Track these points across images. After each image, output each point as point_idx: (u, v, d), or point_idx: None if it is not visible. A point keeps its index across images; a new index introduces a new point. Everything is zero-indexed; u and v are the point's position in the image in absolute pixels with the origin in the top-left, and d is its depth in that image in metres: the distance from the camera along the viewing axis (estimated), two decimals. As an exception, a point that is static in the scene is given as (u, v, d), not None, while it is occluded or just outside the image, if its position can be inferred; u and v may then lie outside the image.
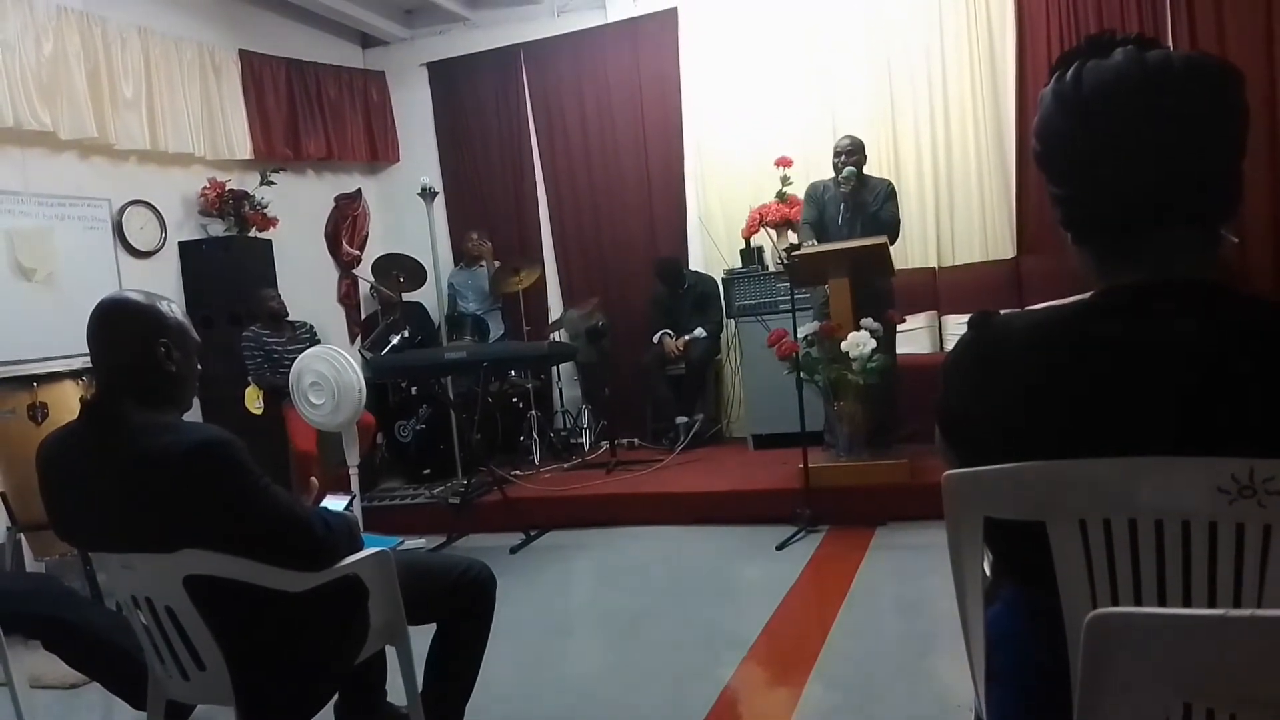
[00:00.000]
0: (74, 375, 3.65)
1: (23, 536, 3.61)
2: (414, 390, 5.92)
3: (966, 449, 1.11)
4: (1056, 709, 0.95)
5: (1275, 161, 5.05)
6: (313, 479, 2.16)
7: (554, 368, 6.47)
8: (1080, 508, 0.98)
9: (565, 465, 5.77)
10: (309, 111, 6.67)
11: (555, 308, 6.92)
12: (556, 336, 6.35)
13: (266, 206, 6.00)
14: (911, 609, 3.27)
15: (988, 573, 1.22)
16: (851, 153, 4.66)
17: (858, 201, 4.63)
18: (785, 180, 5.55)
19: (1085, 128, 1.01)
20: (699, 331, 6.01)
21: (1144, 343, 0.97)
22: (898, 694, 2.50)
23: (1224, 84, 0.99)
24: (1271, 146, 5.01)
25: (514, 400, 6.16)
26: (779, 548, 3.98)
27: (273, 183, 6.10)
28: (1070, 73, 1.03)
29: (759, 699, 2.68)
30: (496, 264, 6.50)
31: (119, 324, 1.73)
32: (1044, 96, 1.06)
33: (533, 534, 4.63)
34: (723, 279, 5.97)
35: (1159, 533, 0.95)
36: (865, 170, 4.76)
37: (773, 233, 5.54)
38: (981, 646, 1.13)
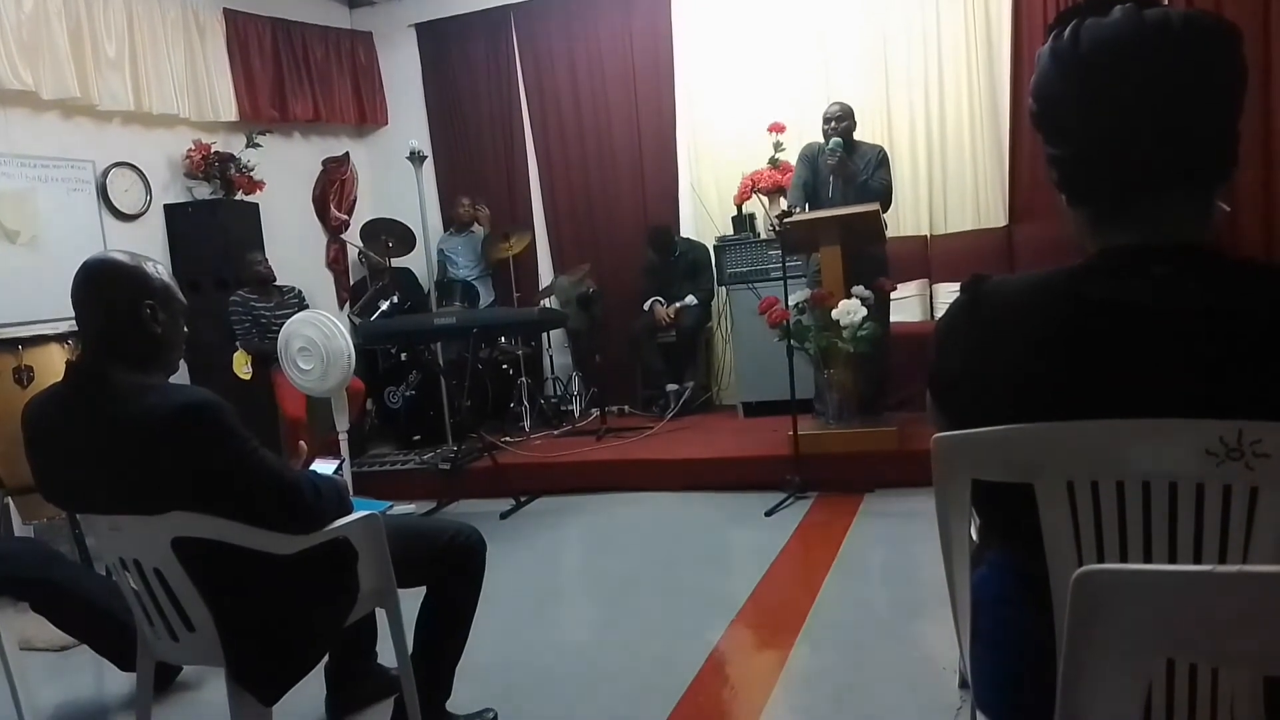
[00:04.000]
0: (59, 338, 3.62)
1: (10, 500, 3.60)
2: (404, 356, 5.89)
3: (958, 412, 1.11)
4: (1041, 670, 0.96)
5: (1267, 129, 5.03)
6: (301, 443, 2.16)
7: (544, 334, 6.45)
8: (1068, 470, 0.98)
9: (555, 432, 5.78)
10: (295, 72, 6.56)
11: (545, 274, 6.88)
12: (547, 303, 6.33)
13: (253, 169, 5.93)
14: (898, 574, 3.30)
15: (974, 537, 1.22)
16: (841, 119, 4.61)
17: (847, 173, 4.59)
18: (778, 146, 5.51)
19: (1083, 86, 1.00)
20: (690, 299, 6.00)
21: (1140, 305, 0.96)
22: (884, 657, 2.53)
23: (1223, 43, 0.98)
24: (1264, 113, 4.99)
25: (504, 367, 6.16)
26: (768, 514, 4.01)
27: (259, 145, 6.03)
28: (1068, 31, 1.01)
29: (747, 661, 2.70)
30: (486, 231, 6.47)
31: (104, 285, 1.71)
32: (1041, 55, 1.05)
33: (523, 500, 4.65)
34: (714, 246, 5.94)
35: (1146, 495, 0.95)
36: (856, 136, 4.72)
37: (765, 200, 5.51)
38: (967, 609, 1.14)
